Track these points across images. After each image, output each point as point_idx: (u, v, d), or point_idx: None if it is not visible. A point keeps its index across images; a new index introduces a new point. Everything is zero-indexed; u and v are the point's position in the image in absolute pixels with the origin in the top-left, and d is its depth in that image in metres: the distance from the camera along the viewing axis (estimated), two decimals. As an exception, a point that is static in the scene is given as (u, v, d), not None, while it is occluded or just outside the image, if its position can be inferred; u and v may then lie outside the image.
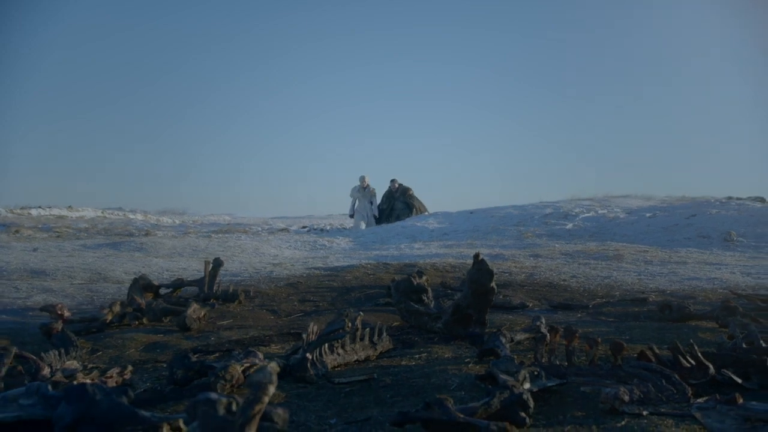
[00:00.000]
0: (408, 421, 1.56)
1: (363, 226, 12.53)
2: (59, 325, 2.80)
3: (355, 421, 1.72)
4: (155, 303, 3.24)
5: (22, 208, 14.27)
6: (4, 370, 1.94)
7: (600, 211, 10.79)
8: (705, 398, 1.71)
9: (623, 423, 1.66)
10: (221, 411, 1.42)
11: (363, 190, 12.84)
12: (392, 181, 13.46)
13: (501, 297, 3.71)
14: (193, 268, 5.67)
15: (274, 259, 7.01)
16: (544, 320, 2.55)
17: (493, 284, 2.53)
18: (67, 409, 1.50)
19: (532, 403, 1.67)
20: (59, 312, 2.99)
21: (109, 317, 3.02)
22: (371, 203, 12.97)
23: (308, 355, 2.14)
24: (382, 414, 1.77)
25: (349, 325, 2.41)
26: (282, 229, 11.17)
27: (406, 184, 13.40)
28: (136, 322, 3.14)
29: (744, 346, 2.24)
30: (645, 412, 1.71)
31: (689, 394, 1.80)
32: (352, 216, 13.01)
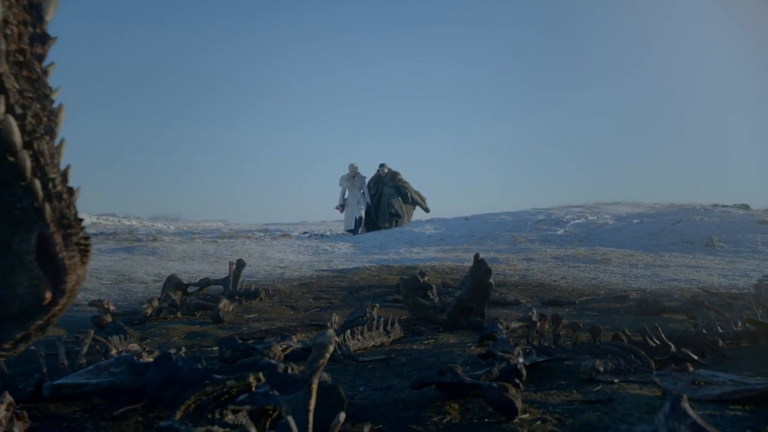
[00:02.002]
0: (425, 384, 1.95)
1: (353, 223, 12.15)
2: (108, 317, 3.18)
3: (380, 388, 2.10)
4: (189, 299, 3.62)
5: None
6: (85, 348, 2.32)
7: (590, 218, 11.23)
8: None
9: (598, 388, 2.05)
10: (280, 370, 1.82)
11: (352, 179, 12.30)
12: (381, 165, 12.62)
13: (497, 294, 4.11)
14: (207, 271, 6.03)
15: (281, 262, 7.38)
16: (535, 311, 2.94)
17: (491, 280, 2.92)
18: (157, 373, 1.87)
19: (524, 372, 2.05)
20: (106, 306, 3.36)
21: (150, 311, 3.39)
22: (362, 192, 12.35)
23: (336, 338, 2.52)
24: (402, 383, 2.15)
25: (368, 314, 2.80)
26: (284, 235, 11.55)
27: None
28: (172, 316, 3.51)
29: (704, 331, 2.65)
30: (616, 380, 2.10)
31: (653, 367, 2.19)
32: (341, 206, 12.47)
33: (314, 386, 1.51)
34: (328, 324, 2.77)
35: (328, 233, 12.64)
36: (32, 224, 1.09)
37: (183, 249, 7.88)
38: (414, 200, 12.77)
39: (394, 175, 12.61)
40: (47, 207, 1.09)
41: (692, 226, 9.24)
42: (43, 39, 1.12)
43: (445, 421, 1.76)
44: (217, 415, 1.66)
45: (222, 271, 6.07)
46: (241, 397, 1.71)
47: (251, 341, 2.89)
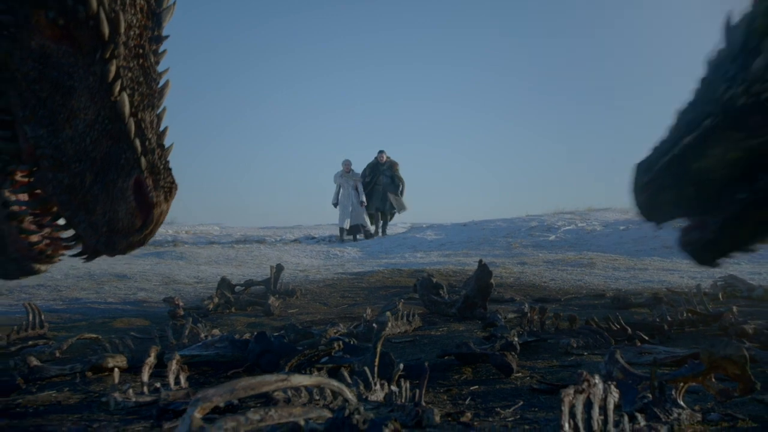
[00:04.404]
0: (447, 354, 2.68)
1: (346, 222, 11.92)
2: (180, 311, 3.92)
3: (412, 359, 2.84)
4: (241, 296, 4.36)
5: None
6: (187, 331, 3.06)
7: (580, 224, 12.02)
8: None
9: (572, 358, 2.79)
10: (347, 341, 2.56)
11: (347, 174, 12.14)
12: (380, 152, 12.37)
13: (495, 293, 4.86)
14: (237, 273, 6.76)
15: (297, 266, 8.12)
16: (527, 305, 3.70)
17: (492, 280, 3.68)
18: (256, 346, 2.61)
19: (518, 347, 2.80)
20: (176, 302, 4.10)
21: (211, 306, 4.14)
22: (356, 190, 12.12)
23: (374, 325, 3.27)
24: (427, 356, 2.89)
25: (396, 307, 3.55)
26: (294, 240, 12.28)
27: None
28: (228, 310, 4.25)
29: (657, 319, 3.41)
30: (585, 353, 2.85)
31: (612, 343, 2.95)
32: (335, 205, 12.25)
33: (378, 349, 2.26)
34: (364, 315, 3.52)
35: (335, 238, 13.36)
36: (132, 170, 1.48)
37: (207, 254, 8.61)
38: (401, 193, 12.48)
39: (392, 165, 12.32)
40: (143, 159, 1.48)
41: (673, 233, 10.01)
42: (159, 39, 1.58)
43: (462, 378, 2.50)
44: (306, 371, 2.42)
45: (248, 273, 6.80)
46: (324, 359, 2.46)
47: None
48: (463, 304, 3.79)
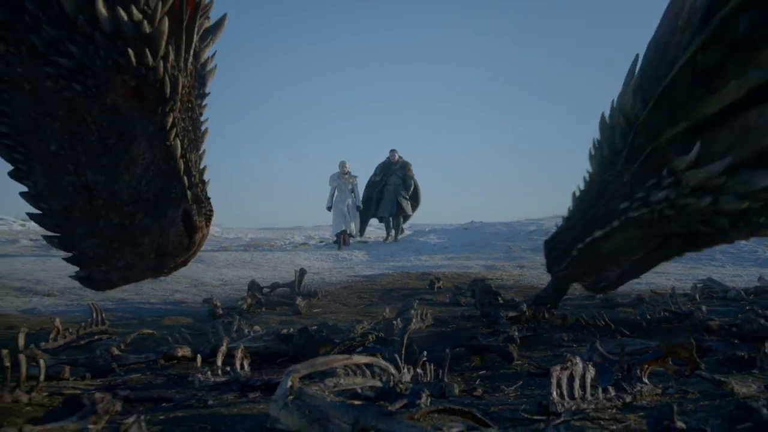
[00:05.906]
0: (458, 346, 3.20)
1: (342, 227, 11.34)
2: (219, 310, 4.44)
3: (430, 349, 3.36)
4: (270, 296, 4.88)
5: (23, 220, 14.86)
6: (235, 327, 3.57)
7: (576, 228, 12.54)
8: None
9: (563, 349, 3.31)
10: (377, 334, 3.08)
11: (344, 176, 11.62)
12: (392, 151, 11.76)
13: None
14: (257, 276, 7.25)
15: (310, 269, 8.59)
16: (525, 305, 4.22)
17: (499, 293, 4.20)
18: (300, 339, 3.12)
19: (518, 340, 3.32)
20: (215, 303, 4.62)
21: (245, 306, 4.65)
22: (352, 193, 11.63)
23: (394, 322, 3.78)
24: (441, 348, 3.41)
25: (413, 307, 4.07)
26: (302, 243, 12.79)
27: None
28: (259, 310, 4.76)
29: (637, 317, 3.93)
30: (575, 345, 3.37)
31: (597, 338, 3.47)
32: (329, 209, 11.61)
33: (405, 341, 2.78)
34: (384, 314, 4.03)
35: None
36: (180, 202, 1.70)
37: (224, 257, 9.11)
38: (415, 196, 12.09)
39: (404, 165, 11.80)
40: (189, 192, 1.71)
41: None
42: (203, 95, 1.95)
43: (472, 365, 3.01)
44: (345, 359, 2.92)
45: (266, 275, 7.30)
46: (359, 349, 2.98)
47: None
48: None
